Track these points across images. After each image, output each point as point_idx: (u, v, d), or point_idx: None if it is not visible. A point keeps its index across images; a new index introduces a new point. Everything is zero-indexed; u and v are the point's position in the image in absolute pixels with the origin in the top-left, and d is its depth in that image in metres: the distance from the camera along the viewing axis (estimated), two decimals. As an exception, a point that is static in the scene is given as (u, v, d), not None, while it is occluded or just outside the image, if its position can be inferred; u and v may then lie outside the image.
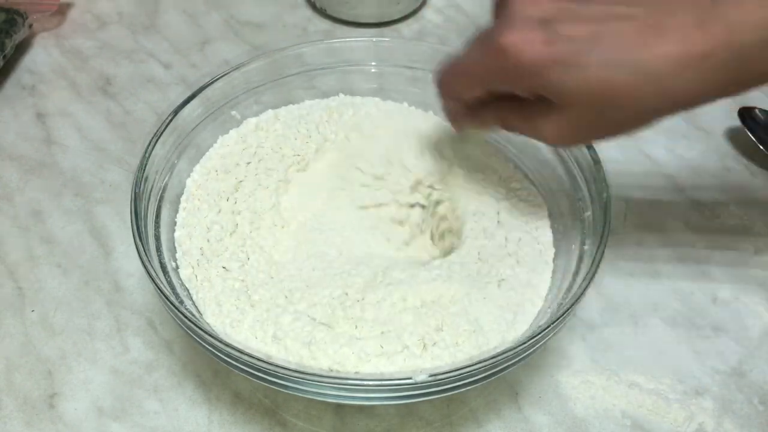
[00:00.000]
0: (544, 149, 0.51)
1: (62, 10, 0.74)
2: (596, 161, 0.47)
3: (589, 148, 0.48)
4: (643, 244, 0.56)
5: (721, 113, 0.65)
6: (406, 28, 0.74)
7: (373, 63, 0.57)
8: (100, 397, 0.47)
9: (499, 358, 0.39)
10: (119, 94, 0.67)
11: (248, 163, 0.52)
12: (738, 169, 0.61)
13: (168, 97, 0.66)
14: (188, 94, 0.51)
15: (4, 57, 0.67)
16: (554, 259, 0.48)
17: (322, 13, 0.75)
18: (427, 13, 0.76)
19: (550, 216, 0.50)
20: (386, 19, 0.74)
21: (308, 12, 0.76)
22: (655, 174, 0.61)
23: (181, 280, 0.46)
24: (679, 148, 0.63)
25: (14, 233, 0.56)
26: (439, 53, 0.56)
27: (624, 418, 0.46)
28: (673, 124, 0.65)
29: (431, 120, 0.56)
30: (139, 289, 0.53)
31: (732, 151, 0.63)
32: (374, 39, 0.57)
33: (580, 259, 0.45)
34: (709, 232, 0.57)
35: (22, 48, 0.71)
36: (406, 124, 0.55)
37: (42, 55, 0.71)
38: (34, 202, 0.58)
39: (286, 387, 0.39)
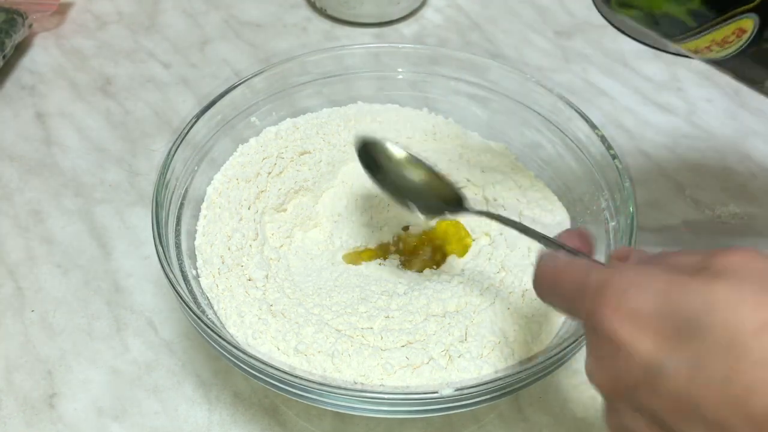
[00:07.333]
0: (567, 158, 0.51)
1: (62, 10, 0.74)
2: (621, 171, 0.46)
3: (614, 157, 0.47)
4: (643, 244, 0.56)
5: (722, 113, 0.65)
6: (406, 28, 0.74)
7: (400, 69, 0.57)
8: (100, 397, 0.47)
9: (526, 372, 0.38)
10: (119, 94, 0.67)
11: (269, 172, 0.52)
12: (737, 168, 0.61)
13: (168, 97, 0.66)
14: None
15: (4, 57, 0.67)
16: None
17: (322, 13, 0.75)
18: (427, 13, 0.76)
19: (573, 225, 0.50)
20: (386, 19, 0.74)
21: (308, 12, 0.76)
22: (655, 174, 0.61)
23: (201, 288, 0.46)
24: (679, 148, 0.63)
25: (14, 233, 0.56)
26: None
27: (624, 418, 0.46)
28: (673, 123, 0.65)
29: (452, 127, 0.56)
30: (139, 289, 0.53)
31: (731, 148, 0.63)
32: (399, 45, 0.57)
33: None
34: (709, 232, 0.57)
35: (22, 48, 0.70)
36: (425, 130, 0.55)
37: (42, 55, 0.71)
38: (34, 202, 0.58)
39: (309, 399, 0.39)
